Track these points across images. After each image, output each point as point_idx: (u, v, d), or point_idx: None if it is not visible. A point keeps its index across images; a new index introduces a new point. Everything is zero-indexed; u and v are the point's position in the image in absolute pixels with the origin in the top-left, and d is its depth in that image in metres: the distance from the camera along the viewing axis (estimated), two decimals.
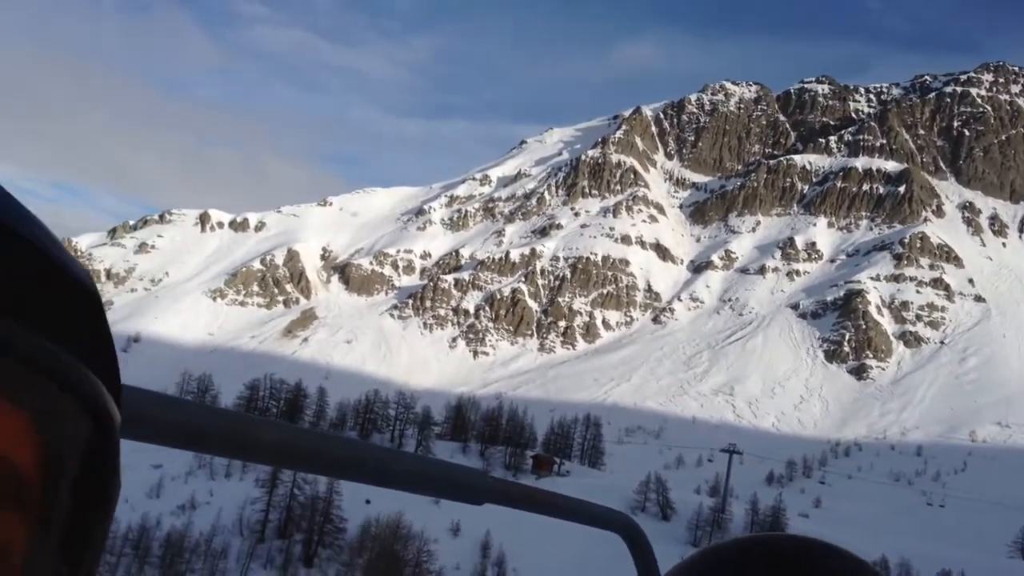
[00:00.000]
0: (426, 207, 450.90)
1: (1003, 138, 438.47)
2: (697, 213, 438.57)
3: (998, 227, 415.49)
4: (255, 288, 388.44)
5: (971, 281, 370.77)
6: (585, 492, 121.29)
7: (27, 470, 0.49)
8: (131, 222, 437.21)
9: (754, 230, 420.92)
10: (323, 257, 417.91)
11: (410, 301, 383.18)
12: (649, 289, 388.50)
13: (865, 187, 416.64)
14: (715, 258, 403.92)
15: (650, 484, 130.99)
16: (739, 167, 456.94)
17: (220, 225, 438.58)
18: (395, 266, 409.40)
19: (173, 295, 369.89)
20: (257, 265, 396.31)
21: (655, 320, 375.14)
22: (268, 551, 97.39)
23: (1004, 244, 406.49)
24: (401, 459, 1.61)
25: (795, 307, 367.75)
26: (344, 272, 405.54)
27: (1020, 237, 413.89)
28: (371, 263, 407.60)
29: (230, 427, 1.24)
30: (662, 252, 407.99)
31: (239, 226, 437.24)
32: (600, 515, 2.26)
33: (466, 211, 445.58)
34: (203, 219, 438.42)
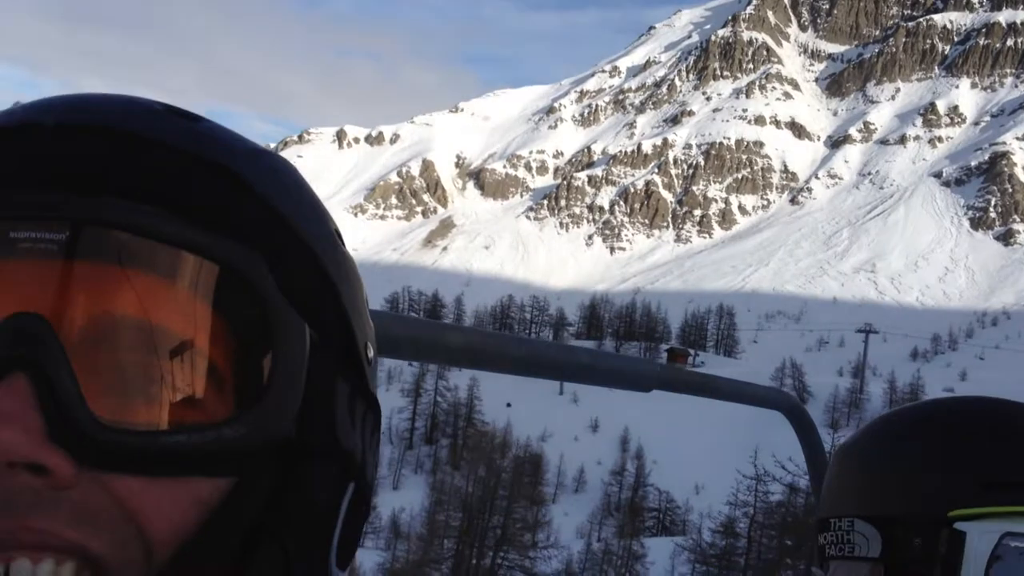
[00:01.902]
0: (556, 104, 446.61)
1: None
2: (834, 85, 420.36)
3: None
4: (393, 201, 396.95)
5: None
6: None
7: (163, 323, 0.52)
8: (272, 144, 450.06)
9: (893, 98, 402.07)
10: (457, 164, 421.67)
11: (545, 202, 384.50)
12: (785, 170, 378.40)
13: (1010, 42, 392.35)
14: (853, 131, 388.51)
15: (785, 369, 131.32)
16: (877, 32, 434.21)
17: (356, 141, 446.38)
18: (528, 168, 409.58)
19: None
20: (394, 178, 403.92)
21: (792, 201, 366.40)
22: (417, 457, 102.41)
23: None
24: (575, 353, 1.71)
25: (938, 175, 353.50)
26: (479, 178, 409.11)
27: None
28: (505, 166, 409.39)
29: (419, 333, 1.35)
30: (798, 130, 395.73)
31: (375, 140, 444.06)
32: (763, 395, 2.29)
33: (596, 105, 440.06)
34: (340, 136, 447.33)
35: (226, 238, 0.54)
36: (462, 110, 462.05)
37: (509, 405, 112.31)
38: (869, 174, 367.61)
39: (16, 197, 0.51)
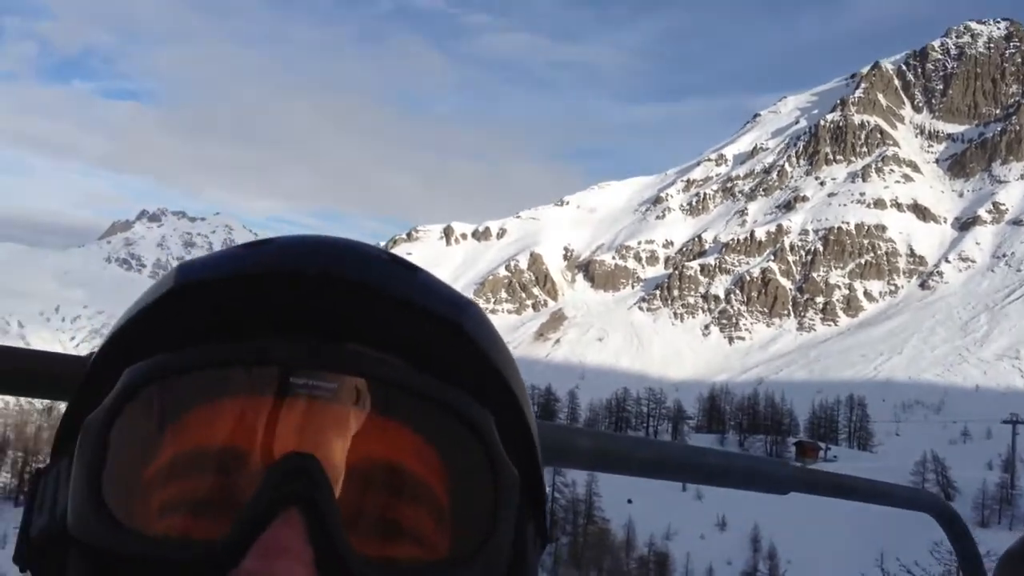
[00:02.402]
0: (663, 194, 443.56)
1: None
2: (956, 166, 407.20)
3: None
4: (503, 295, 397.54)
5: None
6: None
7: (414, 469, 0.58)
8: (381, 243, 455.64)
9: (1022, 176, 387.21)
10: (565, 257, 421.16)
11: (657, 292, 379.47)
12: (912, 253, 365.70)
13: None
14: (982, 212, 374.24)
15: (927, 463, 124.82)
16: (997, 111, 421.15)
17: (464, 236, 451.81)
18: (638, 258, 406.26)
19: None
20: (503, 272, 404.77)
21: (922, 286, 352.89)
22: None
23: None
24: (706, 455, 1.68)
25: None
26: (588, 269, 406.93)
27: None
28: (613, 258, 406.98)
29: (552, 436, 1.37)
30: (921, 212, 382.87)
31: (481, 235, 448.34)
32: (909, 497, 2.21)
33: (704, 194, 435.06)
34: (447, 232, 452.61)
35: (463, 392, 0.61)
36: (568, 203, 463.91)
37: (630, 502, 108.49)
38: (1004, 256, 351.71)
39: (295, 345, 0.58)
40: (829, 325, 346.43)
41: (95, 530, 0.56)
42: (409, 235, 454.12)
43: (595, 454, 1.45)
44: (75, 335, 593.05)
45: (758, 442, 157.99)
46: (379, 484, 0.58)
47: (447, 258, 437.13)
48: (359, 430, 0.57)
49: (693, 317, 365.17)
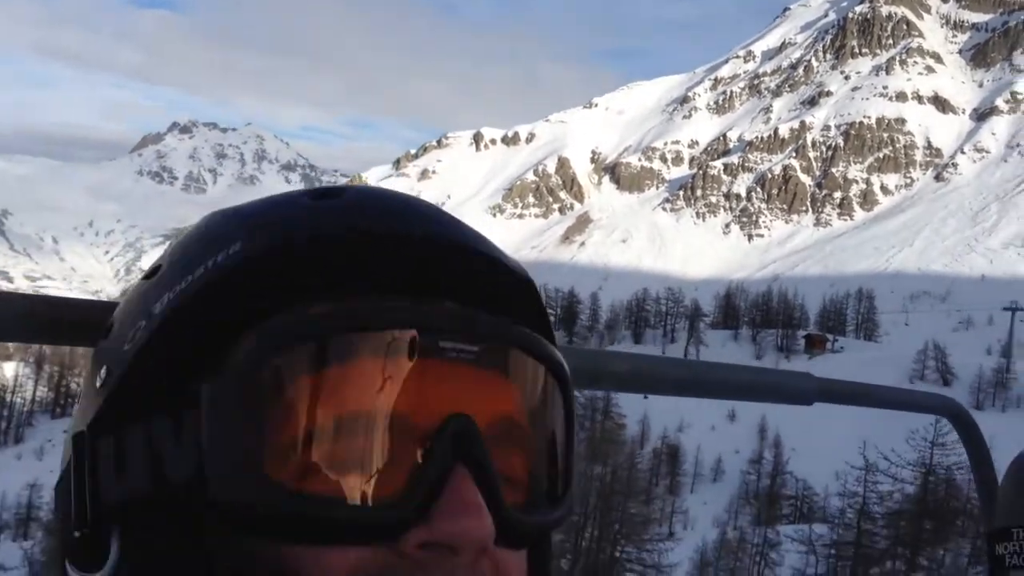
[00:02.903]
0: (690, 94, 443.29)
1: None
2: (979, 56, 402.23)
3: None
4: (531, 199, 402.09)
5: None
6: (860, 366, 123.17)
7: (522, 421, 0.63)
8: (412, 151, 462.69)
9: None
10: (592, 160, 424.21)
11: (681, 192, 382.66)
12: (929, 146, 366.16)
13: None
14: (1000, 102, 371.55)
15: (928, 351, 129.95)
16: None
17: (493, 142, 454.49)
18: (663, 159, 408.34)
19: (457, 216, 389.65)
20: (531, 176, 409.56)
21: (937, 178, 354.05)
22: None
23: None
24: (736, 372, 1.75)
25: None
26: (614, 172, 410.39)
27: None
28: (640, 159, 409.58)
29: (584, 363, 1.42)
30: (941, 104, 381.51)
31: (510, 140, 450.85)
32: (926, 402, 2.30)
33: (731, 92, 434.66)
34: (476, 138, 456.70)
35: (555, 348, 0.67)
36: (596, 105, 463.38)
37: (646, 397, 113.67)
38: (1018, 145, 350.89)
39: (439, 311, 0.61)
40: (845, 220, 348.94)
41: (265, 495, 0.55)
42: (439, 142, 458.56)
43: (629, 376, 1.51)
44: (109, 249, 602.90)
45: (769, 336, 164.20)
46: (504, 439, 0.61)
47: (477, 163, 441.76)
48: (496, 390, 0.62)
49: (715, 216, 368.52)
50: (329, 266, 0.61)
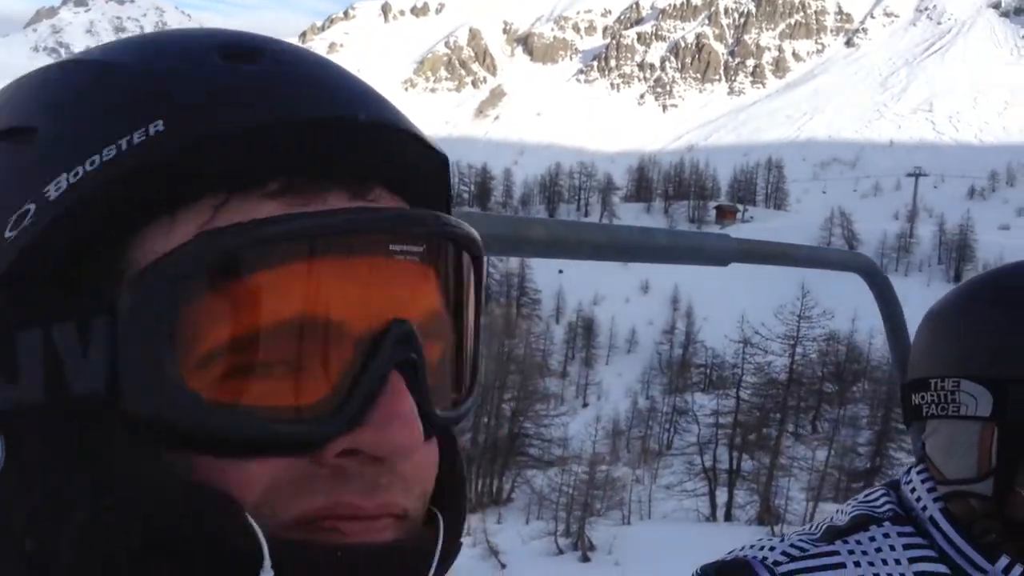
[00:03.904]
0: None
1: None
2: None
3: None
4: (443, 73, 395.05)
5: None
6: (768, 235, 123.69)
7: (446, 316, 0.59)
8: (318, 23, 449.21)
9: None
10: (505, 31, 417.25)
11: (595, 63, 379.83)
12: (840, 11, 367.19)
13: None
14: None
15: (834, 219, 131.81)
16: None
17: (402, 13, 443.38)
18: (576, 29, 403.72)
19: None
20: (442, 49, 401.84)
21: (848, 43, 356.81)
22: None
23: None
24: (653, 235, 1.76)
25: (996, 6, 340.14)
26: (527, 43, 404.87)
27: None
28: (552, 29, 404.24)
29: (502, 231, 1.41)
30: None
31: (420, 11, 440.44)
32: (841, 260, 2.39)
33: None
34: (385, 9, 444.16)
35: (475, 232, 0.61)
36: None
37: (561, 272, 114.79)
38: (926, 9, 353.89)
39: (385, 213, 0.55)
40: (758, 88, 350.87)
41: (185, 409, 0.49)
42: (346, 13, 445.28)
43: (548, 242, 1.49)
44: None
45: (682, 208, 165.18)
46: (440, 337, 0.58)
47: (386, 36, 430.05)
48: (433, 289, 0.57)
49: (629, 87, 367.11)
50: (266, 155, 0.52)
